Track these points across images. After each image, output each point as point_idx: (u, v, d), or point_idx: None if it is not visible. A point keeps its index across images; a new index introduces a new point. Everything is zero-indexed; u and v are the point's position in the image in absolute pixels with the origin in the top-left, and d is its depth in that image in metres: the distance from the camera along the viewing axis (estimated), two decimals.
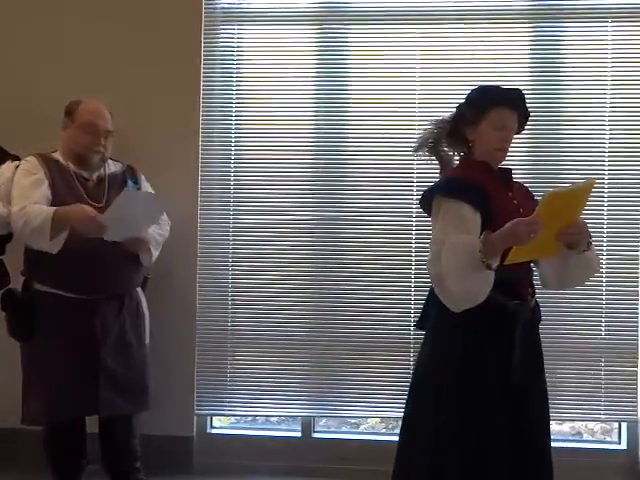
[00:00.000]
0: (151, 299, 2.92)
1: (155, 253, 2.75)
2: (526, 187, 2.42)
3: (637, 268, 3.11)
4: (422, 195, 2.33)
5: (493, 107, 2.22)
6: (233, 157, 3.24)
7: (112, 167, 2.77)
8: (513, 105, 2.24)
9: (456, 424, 2.19)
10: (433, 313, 2.27)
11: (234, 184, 3.24)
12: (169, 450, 3.16)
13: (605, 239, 3.10)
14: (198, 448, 3.27)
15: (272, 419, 3.47)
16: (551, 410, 3.12)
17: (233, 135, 3.23)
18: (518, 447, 2.19)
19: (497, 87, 2.34)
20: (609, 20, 3.10)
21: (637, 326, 3.11)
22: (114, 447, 2.78)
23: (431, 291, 2.27)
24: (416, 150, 2.39)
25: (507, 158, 3.06)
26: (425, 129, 2.38)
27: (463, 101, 2.33)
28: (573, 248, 2.18)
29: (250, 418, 3.44)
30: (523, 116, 2.29)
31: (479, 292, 2.09)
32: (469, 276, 2.08)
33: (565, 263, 2.22)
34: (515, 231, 2.04)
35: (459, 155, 2.37)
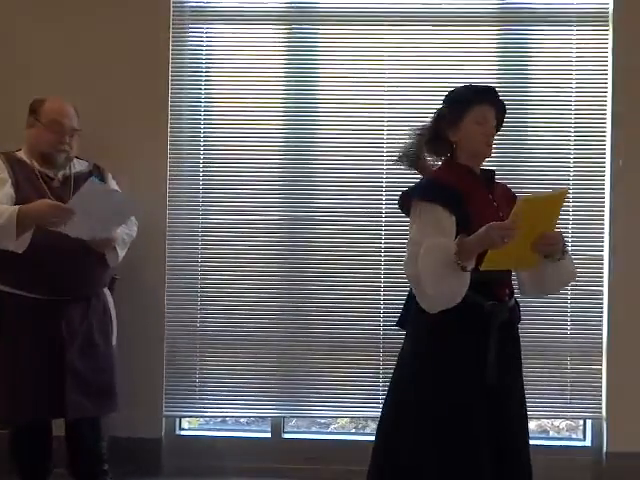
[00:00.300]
0: (119, 300, 2.89)
1: (121, 253, 2.71)
2: (510, 190, 2.43)
3: (602, 268, 3.17)
4: (400, 196, 2.35)
5: (474, 104, 2.26)
6: (202, 157, 3.22)
7: (78, 166, 2.73)
8: (492, 101, 2.28)
9: (434, 424, 2.21)
10: (412, 312, 2.29)
11: (203, 184, 3.22)
12: (137, 452, 3.12)
13: (570, 240, 3.14)
14: (167, 450, 3.24)
15: (241, 420, 3.46)
16: None
17: (202, 134, 3.22)
18: (497, 447, 2.20)
19: (475, 85, 2.38)
20: (574, 24, 3.15)
21: (602, 325, 3.17)
22: (81, 449, 2.74)
23: (411, 289, 2.29)
24: (399, 161, 2.39)
25: None
26: (405, 140, 2.39)
27: (442, 104, 2.36)
28: (549, 257, 2.20)
29: (219, 419, 3.42)
30: (500, 113, 2.32)
31: (455, 294, 2.12)
32: (445, 278, 2.10)
33: (542, 271, 2.24)
34: (489, 235, 2.06)
35: (442, 160, 2.37)
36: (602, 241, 3.17)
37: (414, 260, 2.15)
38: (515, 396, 2.30)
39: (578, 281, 3.12)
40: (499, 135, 3.06)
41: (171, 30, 3.18)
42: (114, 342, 2.79)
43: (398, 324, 2.40)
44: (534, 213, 2.07)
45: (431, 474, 2.18)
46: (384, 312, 3.16)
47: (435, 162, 2.38)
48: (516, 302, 2.32)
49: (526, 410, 2.35)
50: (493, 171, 2.36)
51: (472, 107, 2.25)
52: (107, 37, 3.16)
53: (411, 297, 2.28)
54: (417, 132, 2.37)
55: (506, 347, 2.23)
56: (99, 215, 2.47)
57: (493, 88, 2.36)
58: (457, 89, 2.36)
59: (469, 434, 2.18)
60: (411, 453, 2.22)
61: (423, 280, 2.12)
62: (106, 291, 2.78)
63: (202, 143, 3.22)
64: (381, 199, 3.17)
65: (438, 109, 2.36)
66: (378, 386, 3.18)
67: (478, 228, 2.11)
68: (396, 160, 2.40)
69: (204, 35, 3.23)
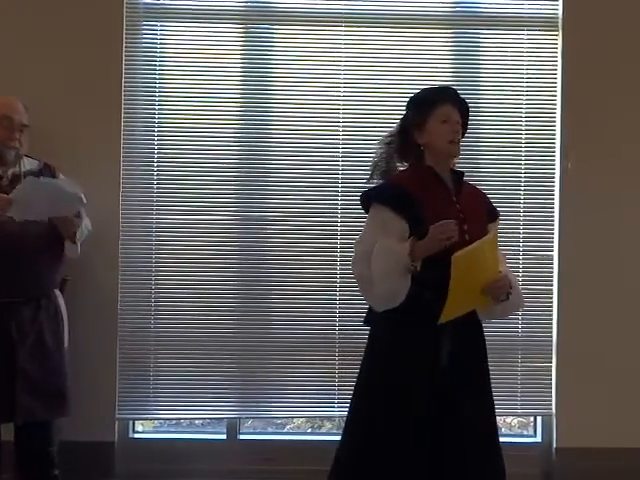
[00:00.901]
0: (71, 301, 2.84)
1: (79, 244, 2.68)
2: (482, 193, 2.45)
3: (552, 269, 3.24)
4: (360, 196, 2.39)
5: (437, 104, 2.30)
6: (156, 156, 3.18)
7: (28, 165, 2.66)
8: (454, 101, 2.32)
9: (381, 424, 2.24)
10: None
11: (157, 184, 3.18)
12: (89, 456, 3.07)
13: (521, 241, 3.22)
14: (120, 453, 3.19)
15: (197, 422, 3.43)
16: None
17: (156, 134, 3.18)
18: (456, 447, 2.23)
19: (436, 87, 2.44)
20: (525, 28, 3.22)
21: (551, 324, 3.24)
22: (30, 454, 2.67)
23: None
24: (370, 179, 2.41)
25: None
26: (374, 153, 2.42)
27: (405, 109, 2.39)
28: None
29: (174, 421, 3.38)
30: (464, 113, 2.36)
31: (398, 294, 2.17)
32: (393, 279, 2.16)
33: (491, 308, 2.30)
34: (432, 235, 2.12)
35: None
36: (552, 243, 3.24)
37: (361, 259, 2.22)
38: (477, 396, 2.29)
39: (529, 282, 3.23)
40: None
41: (124, 28, 3.13)
42: (66, 344, 2.73)
43: (364, 322, 2.42)
44: (471, 263, 2.12)
45: (372, 474, 2.25)
46: (340, 312, 3.18)
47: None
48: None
49: (491, 409, 2.37)
50: (462, 172, 2.40)
51: (435, 107, 2.30)
52: (59, 35, 3.10)
53: None
54: (385, 142, 2.40)
55: (460, 347, 2.24)
56: (44, 203, 2.42)
57: (453, 89, 2.41)
58: (418, 92, 2.40)
59: (412, 434, 2.20)
60: (359, 454, 2.28)
61: (374, 279, 2.18)
62: (57, 292, 2.72)
63: (156, 142, 3.18)
64: (337, 198, 3.19)
65: (403, 115, 2.39)
66: (334, 386, 3.19)
67: None
68: (369, 177, 2.41)
69: (158, 33, 3.19)
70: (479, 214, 2.32)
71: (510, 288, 2.24)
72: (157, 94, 3.18)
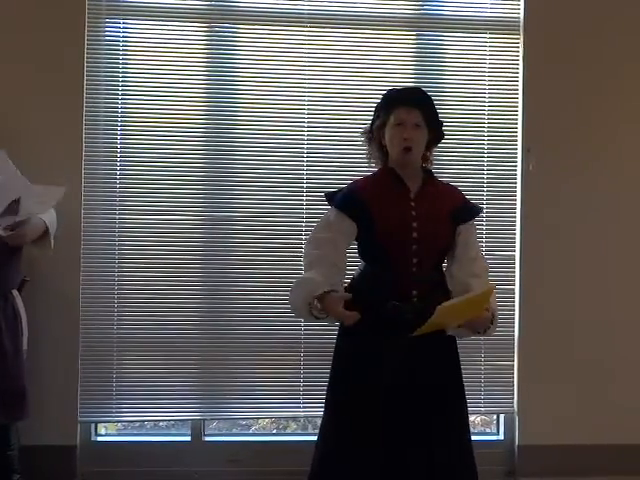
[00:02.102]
0: (31, 302, 2.80)
1: (52, 238, 2.65)
2: (455, 194, 2.45)
3: (513, 268, 3.29)
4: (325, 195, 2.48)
5: (393, 107, 2.33)
6: (119, 155, 3.14)
7: None
8: (409, 103, 2.32)
9: (333, 422, 2.30)
10: None
11: (120, 183, 3.14)
12: (51, 460, 3.02)
13: (484, 241, 3.25)
14: (82, 457, 3.14)
15: (161, 424, 3.40)
16: None
17: (119, 132, 3.14)
18: (407, 446, 2.25)
19: (397, 89, 2.44)
20: (487, 31, 3.27)
21: (514, 323, 3.29)
22: None
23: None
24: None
25: None
26: (364, 147, 2.49)
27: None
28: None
29: (137, 424, 3.35)
30: (429, 116, 2.36)
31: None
32: (300, 313, 2.26)
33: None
34: (337, 314, 2.18)
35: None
36: (513, 242, 3.29)
37: (306, 255, 2.35)
38: (437, 395, 2.31)
39: (491, 281, 3.24)
40: None
41: (86, 24, 3.09)
42: (25, 346, 2.69)
43: None
44: (457, 310, 2.17)
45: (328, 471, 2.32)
46: None
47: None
48: (435, 302, 2.29)
49: (456, 409, 2.38)
50: (429, 172, 2.42)
51: (391, 111, 2.33)
52: (19, 32, 3.04)
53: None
54: (364, 135, 2.46)
55: (413, 347, 2.25)
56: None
57: (413, 89, 2.42)
58: (383, 95, 2.43)
59: (365, 433, 2.24)
60: (319, 452, 2.34)
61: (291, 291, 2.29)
62: (15, 293, 2.68)
63: (119, 141, 3.14)
64: (302, 199, 3.18)
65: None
66: (299, 386, 3.19)
67: (382, 230, 2.25)
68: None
69: (121, 30, 3.15)
70: (438, 215, 2.34)
71: (491, 324, 2.29)
72: (120, 93, 3.14)
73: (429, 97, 2.39)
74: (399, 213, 2.29)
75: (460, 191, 2.50)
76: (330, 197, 2.41)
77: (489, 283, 2.33)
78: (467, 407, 2.45)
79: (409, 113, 2.31)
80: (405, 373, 2.25)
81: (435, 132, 2.40)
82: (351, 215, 2.31)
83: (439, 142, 2.48)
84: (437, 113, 2.40)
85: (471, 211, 2.45)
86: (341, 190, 2.41)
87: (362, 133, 2.48)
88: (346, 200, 2.34)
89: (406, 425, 2.25)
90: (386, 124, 2.35)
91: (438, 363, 2.33)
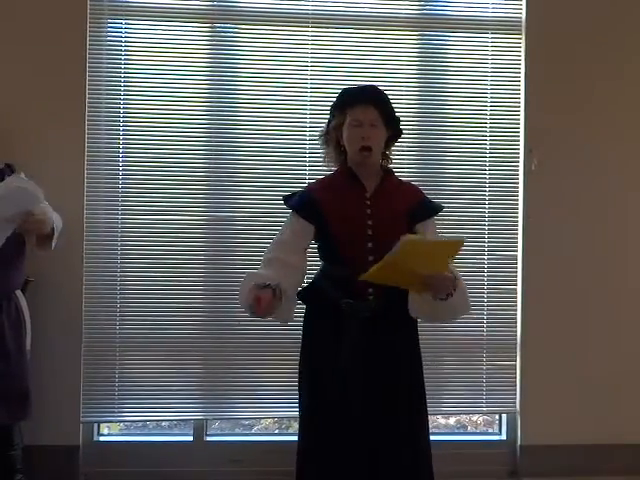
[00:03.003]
0: (34, 303, 2.81)
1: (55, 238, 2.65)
2: (414, 192, 2.44)
3: (516, 268, 3.29)
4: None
5: (349, 107, 2.32)
6: (121, 156, 3.14)
7: None
8: (366, 102, 2.31)
9: (303, 418, 2.34)
10: None
11: (122, 184, 3.14)
12: (54, 461, 3.03)
13: (486, 241, 3.26)
14: (85, 457, 3.15)
15: (163, 424, 3.40)
16: (437, 405, 3.30)
17: (121, 133, 3.14)
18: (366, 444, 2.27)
19: (353, 88, 2.43)
20: (489, 31, 3.27)
21: (516, 323, 3.28)
22: None
23: None
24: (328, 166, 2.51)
25: (395, 157, 3.19)
26: (319, 145, 2.49)
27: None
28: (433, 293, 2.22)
29: (140, 424, 3.35)
30: (386, 114, 2.34)
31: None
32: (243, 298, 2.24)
33: (430, 306, 2.26)
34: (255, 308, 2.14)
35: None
36: (516, 242, 3.28)
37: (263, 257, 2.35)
38: (392, 396, 2.30)
39: (493, 281, 3.27)
40: (418, 136, 3.22)
41: (88, 25, 3.09)
42: (28, 346, 2.70)
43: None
44: (422, 252, 2.09)
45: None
46: (303, 313, 3.17)
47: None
48: (394, 302, 2.30)
49: (408, 409, 2.34)
50: (388, 174, 2.41)
51: (347, 111, 2.33)
52: (21, 34, 3.04)
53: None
54: (322, 137, 2.46)
55: (369, 345, 2.26)
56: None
57: (369, 87, 2.40)
58: (339, 94, 2.42)
59: (324, 432, 2.27)
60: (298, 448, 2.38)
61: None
62: (19, 293, 2.68)
63: (121, 142, 3.14)
64: None
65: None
66: None
67: (337, 230, 2.28)
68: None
69: (123, 31, 3.15)
70: (394, 213, 2.33)
71: (454, 291, 2.21)
72: (122, 93, 3.14)
73: (385, 95, 2.38)
74: (354, 212, 2.30)
75: (420, 189, 2.46)
76: (286, 199, 2.43)
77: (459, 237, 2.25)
78: (426, 408, 2.42)
79: (366, 112, 2.30)
80: (360, 365, 2.25)
81: (393, 129, 2.40)
82: (305, 216, 2.33)
83: (397, 139, 2.47)
84: (394, 110, 2.39)
85: (429, 209, 2.41)
86: (297, 192, 2.43)
87: (319, 135, 2.49)
88: (300, 202, 2.35)
89: (364, 421, 2.26)
90: (343, 124, 2.34)
91: (397, 362, 2.32)
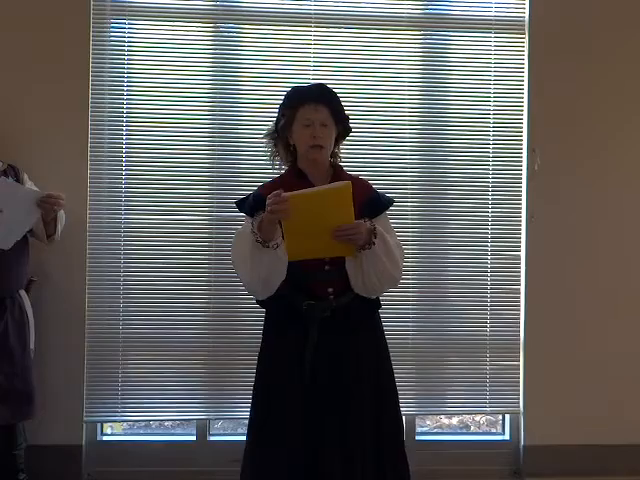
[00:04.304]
0: (37, 302, 2.81)
1: (59, 230, 2.67)
2: (365, 188, 2.37)
3: (519, 269, 3.28)
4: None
5: (299, 106, 2.30)
6: (124, 155, 3.15)
7: None
8: (316, 101, 2.29)
9: (254, 422, 2.33)
10: None
11: (125, 183, 3.15)
12: (57, 460, 3.02)
13: (489, 242, 3.25)
14: (88, 457, 3.15)
15: (166, 424, 3.40)
16: (440, 405, 3.30)
17: (124, 132, 3.14)
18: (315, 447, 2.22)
19: (302, 87, 2.42)
20: (492, 31, 3.26)
21: (519, 323, 3.28)
22: None
23: None
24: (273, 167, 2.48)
25: (398, 158, 3.19)
26: (265, 145, 2.46)
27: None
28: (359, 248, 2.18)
29: (143, 423, 3.35)
30: (335, 113, 2.31)
31: (268, 273, 2.16)
32: (253, 260, 2.15)
33: (357, 263, 2.22)
34: (267, 205, 2.09)
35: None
36: (519, 241, 3.28)
37: (234, 258, 2.28)
38: (357, 398, 2.26)
39: (497, 281, 3.26)
40: (421, 136, 3.22)
41: (91, 25, 3.09)
42: (32, 345, 2.71)
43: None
44: (314, 205, 2.07)
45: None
46: None
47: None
48: (356, 303, 2.28)
49: (373, 413, 2.30)
50: (338, 168, 2.38)
51: (298, 110, 2.30)
52: (25, 34, 3.05)
53: None
54: (269, 136, 2.43)
55: (330, 346, 2.24)
56: (9, 214, 2.40)
57: (319, 86, 2.38)
58: (287, 93, 2.40)
59: (273, 431, 2.24)
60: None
61: (235, 266, 2.23)
62: (22, 293, 2.69)
63: (124, 142, 3.14)
64: None
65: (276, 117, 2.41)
66: None
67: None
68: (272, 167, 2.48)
69: (126, 31, 3.15)
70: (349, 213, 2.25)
71: (374, 237, 2.16)
72: (125, 93, 3.14)
73: (334, 92, 2.36)
74: None
75: (370, 185, 2.42)
76: (239, 204, 2.39)
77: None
78: (399, 410, 2.38)
79: (316, 111, 2.28)
80: (325, 372, 2.23)
81: (341, 127, 2.37)
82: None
83: (346, 137, 2.44)
84: (343, 108, 2.36)
85: (380, 203, 2.37)
86: (249, 196, 2.38)
87: (266, 135, 2.45)
88: (251, 205, 2.30)
89: (324, 426, 2.22)
90: (292, 123, 2.32)
91: (359, 361, 2.28)
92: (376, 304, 2.38)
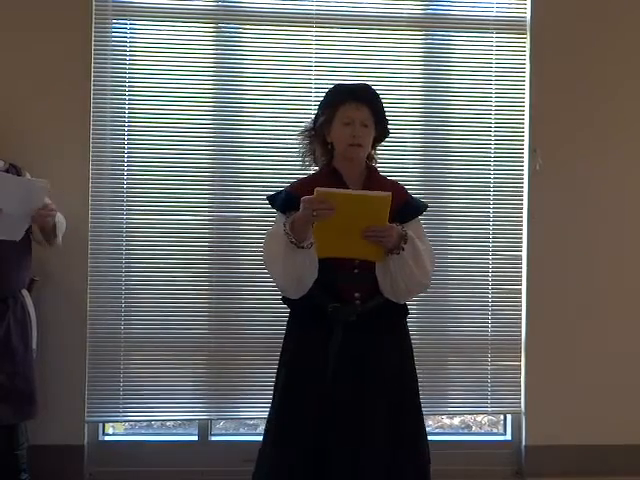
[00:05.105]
0: (39, 302, 2.82)
1: (60, 237, 2.67)
2: (399, 192, 2.34)
3: (520, 269, 3.28)
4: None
5: (340, 104, 2.28)
6: (126, 156, 3.15)
7: None
8: (358, 100, 2.27)
9: (272, 422, 2.31)
10: None
11: (127, 183, 3.15)
12: (58, 460, 3.03)
13: (491, 241, 3.25)
14: (90, 457, 3.16)
15: (168, 424, 3.41)
16: (442, 405, 3.30)
17: (126, 133, 3.14)
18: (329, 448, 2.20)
19: (345, 85, 2.39)
20: (493, 31, 3.26)
21: (520, 323, 3.28)
22: None
23: None
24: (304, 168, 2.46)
25: (399, 158, 3.19)
26: (299, 143, 2.43)
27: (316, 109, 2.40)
28: (389, 252, 2.16)
29: (145, 423, 3.36)
30: (376, 113, 2.30)
31: (300, 273, 2.15)
32: (285, 258, 2.13)
33: (386, 267, 2.20)
34: (302, 207, 2.07)
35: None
36: (520, 242, 3.28)
37: (266, 257, 2.27)
38: (368, 402, 2.23)
39: (498, 282, 3.26)
40: (423, 136, 3.22)
41: (93, 26, 3.10)
42: (34, 345, 2.71)
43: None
44: (351, 207, 2.05)
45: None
46: None
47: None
48: (383, 307, 2.26)
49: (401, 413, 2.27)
50: (371, 171, 2.35)
51: (338, 109, 2.28)
52: (26, 35, 3.05)
53: None
54: (305, 134, 2.41)
55: (353, 350, 2.21)
56: (12, 198, 2.41)
57: (361, 86, 2.35)
58: (330, 88, 2.38)
59: (293, 431, 2.22)
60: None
61: (267, 265, 2.23)
62: (25, 292, 2.70)
63: (126, 142, 3.15)
64: None
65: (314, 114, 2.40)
66: None
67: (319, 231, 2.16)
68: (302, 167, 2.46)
69: (127, 31, 3.16)
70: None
71: (404, 243, 2.15)
72: (127, 93, 3.15)
73: (377, 94, 2.34)
74: None
75: (404, 188, 2.40)
76: (271, 199, 2.37)
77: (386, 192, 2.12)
78: (422, 415, 2.35)
79: (358, 110, 2.26)
80: (348, 373, 2.21)
81: (380, 129, 2.35)
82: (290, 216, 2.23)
83: (384, 140, 2.42)
84: (384, 110, 2.35)
85: (415, 209, 2.35)
86: (281, 192, 2.36)
87: (302, 132, 2.43)
88: (285, 202, 2.27)
89: (341, 427, 2.20)
90: (332, 121, 2.29)
91: (384, 365, 2.26)
92: (403, 310, 2.36)
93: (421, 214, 2.37)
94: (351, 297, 2.24)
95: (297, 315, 2.35)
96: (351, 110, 2.26)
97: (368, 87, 2.35)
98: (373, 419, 2.22)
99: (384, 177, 2.40)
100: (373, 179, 2.32)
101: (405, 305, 2.36)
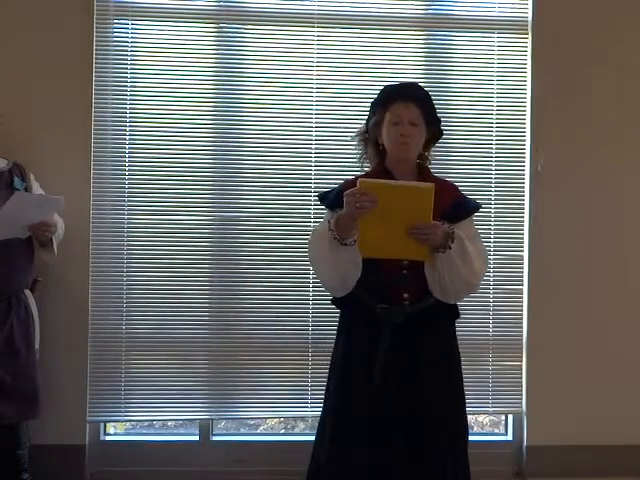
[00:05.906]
0: (41, 302, 2.82)
1: (55, 248, 2.67)
2: (451, 192, 2.33)
3: (522, 269, 3.28)
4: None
5: (389, 104, 2.27)
6: (127, 156, 3.15)
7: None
8: (406, 98, 2.26)
9: (326, 421, 2.31)
10: None
11: (129, 183, 3.15)
12: (60, 460, 3.03)
13: (492, 241, 3.25)
14: (91, 457, 3.16)
15: (169, 423, 3.41)
16: None
17: (127, 133, 3.14)
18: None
19: (394, 85, 2.38)
20: (495, 31, 3.26)
21: (522, 323, 3.28)
22: None
23: None
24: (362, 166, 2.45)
25: None
26: (355, 145, 2.44)
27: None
28: (435, 250, 2.15)
29: (146, 423, 3.36)
30: (426, 113, 2.28)
31: (344, 270, 2.15)
32: (331, 256, 2.13)
33: (435, 267, 2.20)
34: (346, 202, 2.06)
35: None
36: (522, 242, 3.28)
37: (312, 255, 2.28)
38: (426, 402, 2.25)
39: (500, 281, 3.26)
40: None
41: (94, 26, 3.10)
42: (36, 345, 2.71)
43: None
44: (393, 199, 2.03)
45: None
46: (313, 313, 3.18)
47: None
48: (431, 309, 2.27)
49: (442, 418, 2.29)
50: (424, 169, 2.36)
51: (388, 108, 2.27)
52: (28, 32, 3.05)
53: None
54: (359, 136, 2.41)
55: (402, 351, 2.23)
56: (21, 219, 2.44)
57: (409, 84, 2.35)
58: (381, 90, 2.38)
59: (347, 431, 2.22)
60: (314, 449, 2.37)
61: (313, 263, 2.24)
62: (27, 293, 2.70)
63: (127, 142, 3.14)
64: (310, 200, 3.17)
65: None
66: (307, 386, 3.19)
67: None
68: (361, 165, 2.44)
69: (129, 31, 3.16)
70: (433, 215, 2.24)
71: (451, 242, 2.13)
72: (128, 94, 3.14)
73: (427, 93, 2.33)
74: None
75: (457, 188, 2.39)
76: (323, 197, 2.38)
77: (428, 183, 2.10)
78: (466, 418, 2.39)
79: (407, 109, 2.24)
80: (396, 374, 2.22)
81: (433, 130, 2.34)
82: None
83: (437, 140, 2.41)
84: (435, 109, 2.33)
85: (467, 208, 2.34)
86: (333, 190, 2.36)
87: (356, 134, 2.43)
88: (337, 200, 2.24)
89: (396, 428, 2.22)
90: (383, 121, 2.29)
91: (434, 367, 2.28)
92: (454, 312, 2.35)
93: (472, 215, 2.35)
94: (400, 298, 2.24)
95: (346, 316, 2.34)
96: (400, 108, 2.24)
97: (417, 85, 2.34)
98: (426, 420, 2.23)
99: (436, 177, 2.37)
100: (423, 179, 2.28)
101: (456, 307, 2.35)
